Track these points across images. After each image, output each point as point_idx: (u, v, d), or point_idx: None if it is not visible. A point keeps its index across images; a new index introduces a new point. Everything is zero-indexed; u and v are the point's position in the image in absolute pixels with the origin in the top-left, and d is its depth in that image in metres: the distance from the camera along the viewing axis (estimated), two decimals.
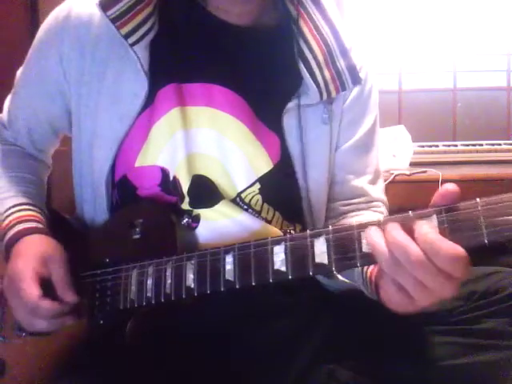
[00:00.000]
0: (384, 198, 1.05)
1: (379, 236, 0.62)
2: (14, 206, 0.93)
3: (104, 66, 0.90)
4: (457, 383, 0.84)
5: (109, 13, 0.87)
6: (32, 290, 0.82)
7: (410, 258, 0.60)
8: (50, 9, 0.96)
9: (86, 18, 0.90)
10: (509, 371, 0.82)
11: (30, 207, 0.94)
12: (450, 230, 0.60)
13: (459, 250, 0.58)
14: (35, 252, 0.85)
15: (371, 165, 1.02)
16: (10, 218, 0.92)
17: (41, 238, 0.89)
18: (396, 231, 0.61)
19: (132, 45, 0.87)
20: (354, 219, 0.98)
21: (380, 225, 0.64)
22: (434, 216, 0.61)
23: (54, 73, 0.94)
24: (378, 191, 1.03)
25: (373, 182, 1.02)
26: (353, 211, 1.00)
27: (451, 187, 0.61)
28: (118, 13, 0.87)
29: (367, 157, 1.01)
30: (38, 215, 0.94)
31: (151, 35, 0.89)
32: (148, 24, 0.88)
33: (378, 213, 1.01)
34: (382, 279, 0.66)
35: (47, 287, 0.83)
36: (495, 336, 0.82)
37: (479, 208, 0.59)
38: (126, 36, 0.87)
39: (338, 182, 1.00)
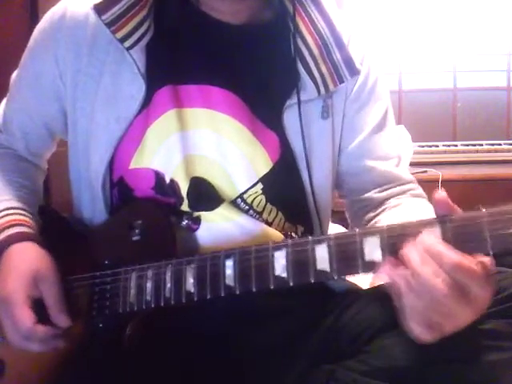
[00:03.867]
0: (413, 177, 1.04)
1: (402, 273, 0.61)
2: (4, 210, 0.92)
3: (101, 66, 0.90)
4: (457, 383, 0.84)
5: (104, 17, 0.86)
6: (25, 316, 0.81)
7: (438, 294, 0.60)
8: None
9: (82, 18, 0.90)
10: (508, 372, 0.81)
11: (21, 211, 0.93)
12: (454, 240, 0.60)
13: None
14: (26, 271, 0.84)
15: (393, 148, 1.01)
16: (1, 221, 0.90)
17: (31, 249, 0.87)
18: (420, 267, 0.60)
19: (128, 48, 0.86)
20: (396, 214, 0.94)
21: (385, 233, 0.63)
22: (438, 226, 0.61)
23: (50, 75, 0.94)
24: (405, 173, 1.02)
25: (398, 164, 1.01)
26: (390, 198, 0.98)
27: (440, 196, 0.61)
28: (113, 17, 0.86)
29: (388, 141, 1.00)
30: (29, 220, 0.92)
31: (147, 38, 0.88)
32: (144, 27, 0.88)
33: (418, 197, 0.99)
34: (407, 320, 0.65)
35: (40, 308, 0.83)
36: (496, 337, 0.82)
37: (484, 219, 0.58)
38: (122, 40, 0.86)
39: (366, 170, 0.99)
